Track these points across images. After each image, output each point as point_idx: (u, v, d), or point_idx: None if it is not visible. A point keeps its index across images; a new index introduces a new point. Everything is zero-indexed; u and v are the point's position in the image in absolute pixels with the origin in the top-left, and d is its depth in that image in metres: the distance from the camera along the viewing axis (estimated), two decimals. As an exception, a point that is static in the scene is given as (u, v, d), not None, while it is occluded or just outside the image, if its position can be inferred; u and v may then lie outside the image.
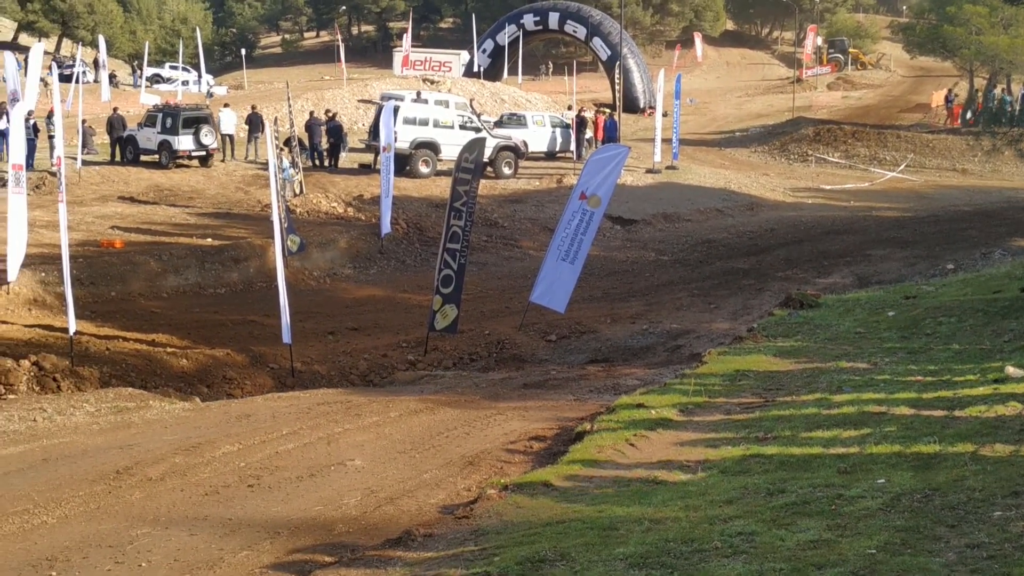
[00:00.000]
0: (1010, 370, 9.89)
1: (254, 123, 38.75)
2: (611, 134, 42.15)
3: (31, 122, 30.63)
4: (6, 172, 22.31)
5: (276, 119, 33.12)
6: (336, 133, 38.07)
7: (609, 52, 65.79)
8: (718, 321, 20.76)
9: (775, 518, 6.92)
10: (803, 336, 13.90)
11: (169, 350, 18.11)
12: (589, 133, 43.53)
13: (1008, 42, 57.24)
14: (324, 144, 37.65)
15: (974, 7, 58.22)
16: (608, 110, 50.89)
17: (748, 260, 28.05)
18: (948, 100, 60.64)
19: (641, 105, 64.53)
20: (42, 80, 37.79)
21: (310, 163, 36.64)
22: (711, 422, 10.09)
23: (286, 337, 17.19)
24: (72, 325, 16.74)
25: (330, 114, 39.90)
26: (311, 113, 40.55)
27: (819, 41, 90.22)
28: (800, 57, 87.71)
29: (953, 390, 9.67)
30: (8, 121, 27.71)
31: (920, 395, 9.69)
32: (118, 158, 36.49)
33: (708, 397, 10.97)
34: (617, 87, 53.15)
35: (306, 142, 37.65)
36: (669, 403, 10.71)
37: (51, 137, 32.19)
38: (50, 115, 32.81)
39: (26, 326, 18.91)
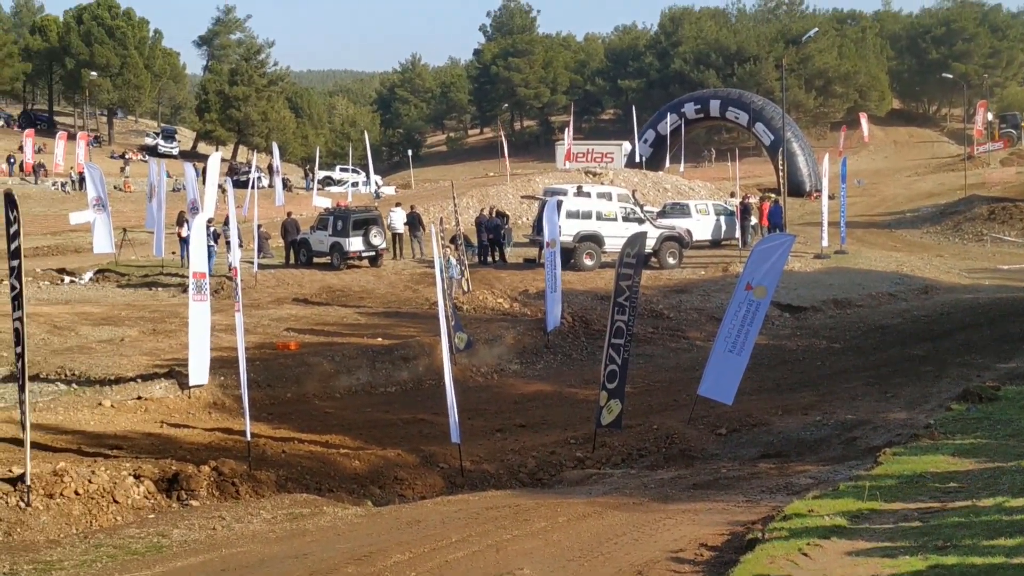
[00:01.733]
0: None
1: (413, 223, 39.58)
2: (776, 220, 41.65)
3: (211, 229, 31.80)
4: (188, 279, 23.08)
5: (441, 219, 33.66)
6: (495, 230, 38.59)
7: (772, 137, 65.44)
8: (895, 411, 20.12)
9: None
10: (983, 432, 13.36)
11: (342, 451, 18.32)
12: (754, 219, 43.15)
13: None
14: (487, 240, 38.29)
15: None
16: (773, 195, 50.41)
17: (924, 346, 27.19)
18: None
19: (807, 189, 63.80)
20: (220, 187, 39.26)
21: (476, 259, 37.14)
22: (887, 529, 9.68)
23: (455, 436, 17.25)
24: (248, 429, 17.09)
25: (494, 211, 40.49)
26: (481, 211, 41.23)
27: (990, 116, 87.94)
28: (971, 134, 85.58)
29: None
30: (189, 229, 28.92)
31: (1112, 498, 9.23)
32: (292, 261, 37.62)
33: (884, 501, 10.56)
34: (781, 172, 52.70)
35: (472, 239, 38.24)
36: (843, 509, 10.34)
37: (229, 243, 33.46)
38: (226, 221, 34.21)
39: (206, 430, 19.41)
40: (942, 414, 15.77)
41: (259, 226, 37.35)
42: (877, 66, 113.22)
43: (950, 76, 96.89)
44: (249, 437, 17.11)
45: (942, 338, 28.01)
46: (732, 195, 49.65)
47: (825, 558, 9.00)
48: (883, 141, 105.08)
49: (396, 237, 39.66)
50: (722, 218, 43.05)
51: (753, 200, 46.95)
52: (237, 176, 66.63)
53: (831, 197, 42.96)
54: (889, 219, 55.87)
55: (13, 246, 14.77)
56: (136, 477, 15.39)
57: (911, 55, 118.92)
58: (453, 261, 30.77)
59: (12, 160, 74.60)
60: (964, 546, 8.75)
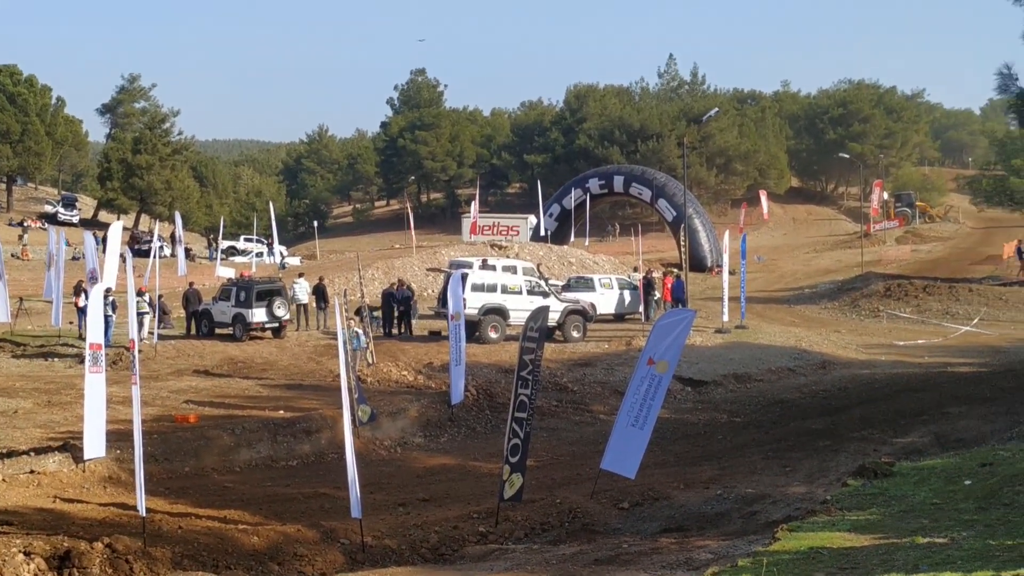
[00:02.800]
0: (1094, 545, 9.56)
1: (320, 294, 39.39)
2: (678, 294, 42.19)
3: (110, 299, 31.31)
4: (85, 350, 22.65)
5: (345, 291, 33.56)
6: (407, 302, 38.53)
7: (675, 213, 66.48)
8: (794, 485, 20.33)
9: None
10: (878, 508, 13.54)
11: (241, 527, 18.01)
12: (657, 294, 43.64)
13: (1076, 191, 57.05)
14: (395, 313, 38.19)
15: (1039, 158, 58.24)
16: (675, 270, 51.08)
17: (823, 420, 27.59)
18: (1020, 251, 60.28)
19: (708, 264, 64.85)
20: (121, 256, 38.72)
21: (381, 332, 37.01)
22: (785, 605, 9.76)
23: (356, 511, 17.05)
24: (142, 506, 16.72)
25: (403, 284, 40.43)
26: (391, 284, 41.16)
27: (885, 195, 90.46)
28: (867, 212, 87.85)
29: (1036, 567, 9.34)
30: (87, 299, 28.44)
31: (999, 573, 9.33)
32: (193, 331, 37.13)
33: (781, 578, 10.64)
34: (683, 247, 53.44)
35: (378, 312, 38.12)
36: (741, 585, 10.41)
37: (141, 314, 32.99)
38: (140, 292, 33.77)
39: (101, 505, 18.97)
40: (839, 489, 15.96)
41: (160, 296, 36.89)
42: (776, 145, 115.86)
43: (847, 156, 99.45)
44: (144, 512, 16.73)
45: (840, 412, 28.43)
46: (635, 269, 50.17)
47: (724, 636, 9.02)
48: (782, 218, 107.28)
49: (300, 308, 39.37)
50: (626, 292, 43.46)
51: (656, 275, 47.46)
52: (139, 245, 65.88)
53: (732, 272, 43.59)
54: (788, 295, 56.86)
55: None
56: (26, 554, 14.97)
57: (809, 135, 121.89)
58: (360, 333, 30.63)
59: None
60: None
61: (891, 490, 14.83)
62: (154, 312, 35.26)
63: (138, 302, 33.46)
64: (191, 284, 40.52)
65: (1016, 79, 20.25)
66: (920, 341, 41.50)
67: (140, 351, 19.69)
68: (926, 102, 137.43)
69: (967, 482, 14.41)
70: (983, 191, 72.45)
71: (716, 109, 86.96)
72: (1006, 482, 13.78)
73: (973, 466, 16.07)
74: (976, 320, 45.57)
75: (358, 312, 33.30)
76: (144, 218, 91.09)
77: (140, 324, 34.07)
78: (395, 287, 39.53)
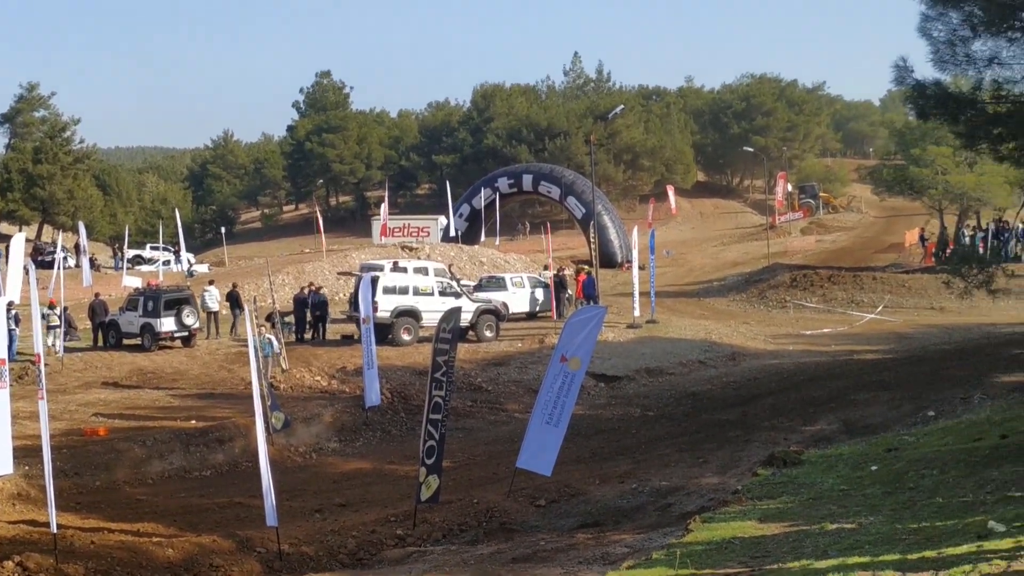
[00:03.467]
0: (992, 525, 9.79)
1: (234, 301, 39.02)
2: (590, 291, 42.36)
3: (13, 312, 30.70)
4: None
5: (255, 298, 33.25)
6: (321, 307, 38.32)
7: (584, 210, 66.76)
8: (707, 476, 20.58)
9: None
10: (788, 496, 13.74)
11: (155, 540, 17.79)
12: (569, 291, 43.82)
13: (975, 180, 58.31)
14: (308, 317, 37.95)
15: (938, 148, 59.45)
16: (586, 267, 51.29)
17: (734, 411, 27.93)
18: (922, 238, 61.51)
19: (618, 260, 65.23)
20: (24, 268, 37.95)
21: (293, 337, 36.74)
22: (698, 596, 9.86)
23: (271, 519, 16.92)
24: (54, 522, 16.44)
25: (314, 287, 40.17)
26: (301, 288, 40.87)
27: (789, 187, 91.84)
28: (772, 204, 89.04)
29: (937, 549, 9.51)
30: (-11, 314, 27.84)
31: (905, 556, 9.50)
32: (101, 343, 36.56)
33: (694, 568, 10.70)
34: (593, 244, 53.67)
35: (289, 317, 37.84)
36: (656, 577, 10.49)
37: (53, 327, 32.44)
38: (52, 305, 33.19)
39: (10, 523, 18.60)
40: (749, 479, 16.18)
41: (65, 308, 36.24)
42: (682, 140, 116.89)
43: (751, 149, 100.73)
44: (56, 529, 16.45)
45: (750, 403, 28.82)
46: (546, 267, 50.30)
47: (639, 628, 9.11)
48: (690, 213, 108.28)
49: (211, 316, 38.94)
50: (537, 290, 43.57)
51: (567, 272, 47.68)
52: (42, 256, 64.60)
53: (641, 268, 43.90)
54: (697, 288, 57.37)
55: None
56: (-67, 576, 14.69)
57: (714, 129, 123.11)
58: (272, 339, 30.40)
59: None
60: (771, 608, 8.96)
61: (800, 478, 15.05)
62: (61, 324, 34.67)
63: (49, 315, 32.95)
64: (97, 295, 39.86)
65: (912, 71, 20.58)
66: (826, 330, 42.15)
67: (46, 364, 19.38)
68: (827, 94, 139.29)
69: (873, 468, 14.66)
70: (884, 181, 73.69)
71: (622, 106, 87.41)
72: (911, 466, 14.05)
73: (879, 452, 16.35)
74: (880, 308, 46.36)
75: (269, 318, 33.05)
76: (47, 229, 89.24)
77: (54, 336, 33.60)
78: (306, 291, 39.26)
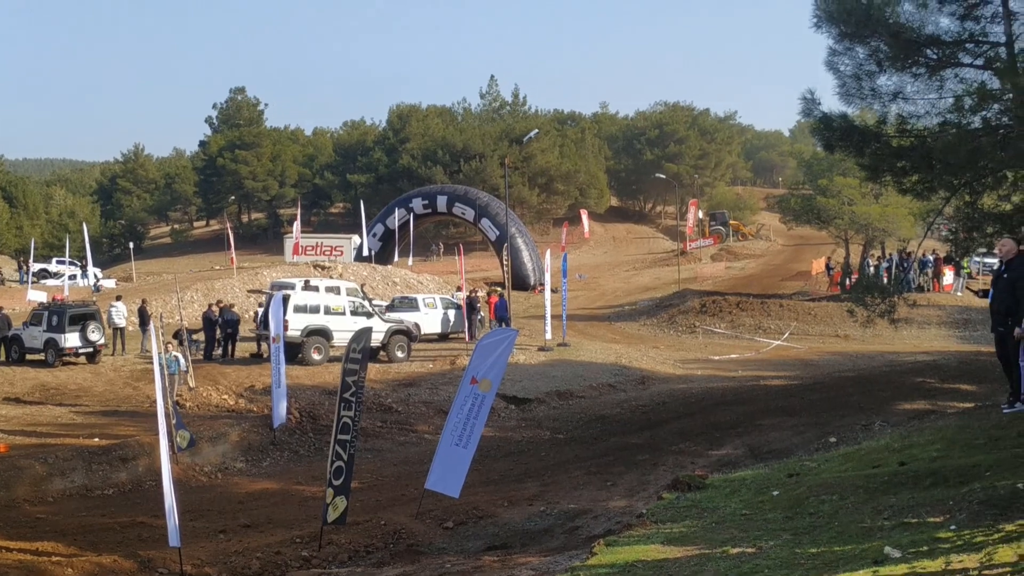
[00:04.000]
0: (888, 550, 9.91)
1: (143, 317, 38.52)
2: (502, 313, 42.51)
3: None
4: None
5: (161, 315, 32.83)
6: (232, 324, 37.92)
7: (498, 232, 66.97)
8: (615, 499, 20.62)
9: None
10: (691, 520, 13.77)
11: (54, 559, 17.42)
12: (481, 313, 43.92)
13: (880, 211, 59.40)
14: (219, 335, 37.54)
15: (844, 179, 60.50)
16: (499, 289, 51.46)
17: (642, 435, 28.06)
18: (828, 267, 62.59)
19: (531, 283, 65.43)
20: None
21: (201, 355, 36.32)
22: (603, 619, 9.83)
23: (174, 540, 16.66)
24: (-51, 540, 16.09)
25: (224, 304, 39.75)
26: (209, 305, 40.41)
27: (700, 214, 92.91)
28: (683, 230, 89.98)
29: (835, 573, 9.59)
30: None
31: (806, 580, 9.59)
32: (3, 358, 35.86)
33: (598, 592, 10.72)
34: (506, 266, 53.84)
35: (198, 335, 37.40)
36: (561, 600, 10.44)
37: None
38: None
39: (-98, 540, 18.18)
40: (654, 503, 16.22)
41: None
42: (596, 165, 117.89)
43: (663, 176, 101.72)
44: (-50, 548, 16.11)
45: (658, 427, 28.97)
46: (459, 289, 50.40)
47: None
48: (603, 237, 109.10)
49: (117, 332, 38.33)
50: (450, 311, 43.62)
51: (480, 294, 47.81)
52: (-57, 269, 63.23)
53: (554, 291, 44.15)
54: (609, 312, 57.76)
55: None
56: None
57: (627, 155, 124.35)
58: (179, 356, 30.03)
59: None
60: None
61: (704, 502, 15.10)
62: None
63: None
64: (0, 308, 39.09)
65: (819, 103, 21.02)
66: (734, 356, 42.67)
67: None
68: (738, 124, 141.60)
69: (775, 492, 14.75)
70: (792, 210, 74.73)
71: (536, 130, 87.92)
72: (811, 491, 14.16)
73: (781, 477, 16.47)
74: (787, 334, 47.06)
75: (176, 335, 32.64)
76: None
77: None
78: (215, 309, 38.82)
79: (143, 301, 40.26)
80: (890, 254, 59.78)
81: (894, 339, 44.59)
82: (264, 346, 35.55)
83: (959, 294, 51.34)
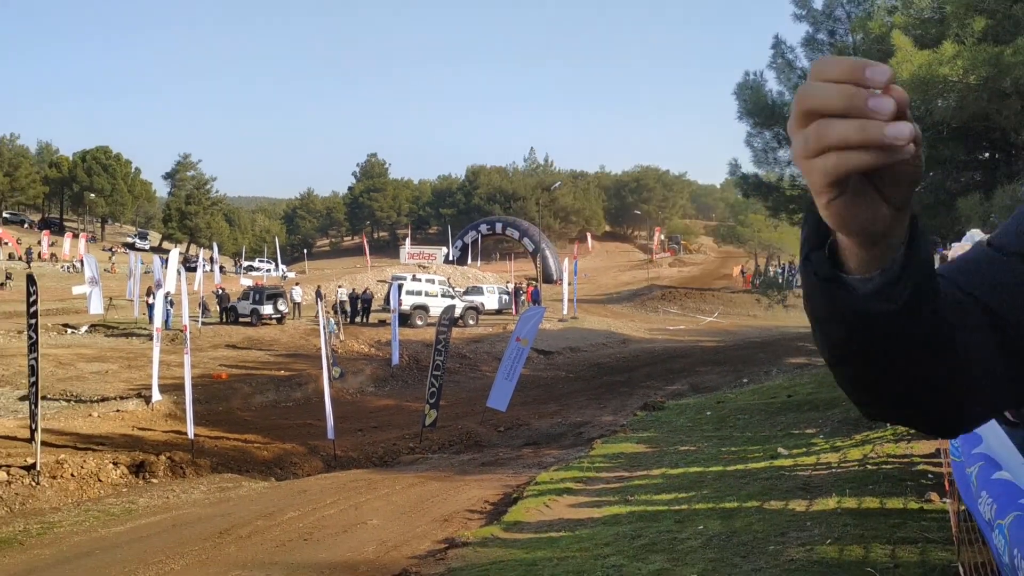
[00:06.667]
0: (780, 450, 9.92)
1: (319, 295, 38.88)
2: (536, 298, 42.50)
3: (169, 298, 30.44)
4: (150, 330, 22.06)
5: (323, 294, 33.01)
6: (367, 302, 38.16)
7: (533, 246, 66.81)
8: (605, 415, 20.60)
9: (635, 554, 6.83)
10: (655, 429, 13.85)
11: (256, 445, 17.72)
12: (522, 297, 43.88)
13: (778, 236, 58.79)
14: (358, 308, 37.78)
15: (755, 216, 59.88)
16: (534, 282, 51.37)
17: (623, 375, 27.98)
18: (743, 272, 61.95)
19: (554, 278, 65.03)
20: (177, 271, 37.66)
21: (348, 320, 36.58)
22: (596, 489, 9.92)
23: (330, 434, 16.91)
24: (191, 431, 16.38)
25: (363, 289, 39.93)
26: (353, 289, 40.60)
27: (662, 237, 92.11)
28: (651, 247, 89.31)
29: (746, 464, 9.64)
30: (155, 299, 27.61)
31: (725, 468, 9.65)
32: (225, 320, 36.27)
33: (595, 472, 10.81)
34: (538, 268, 53.73)
35: (347, 307, 37.68)
36: (571, 476, 10.54)
37: (203, 310, 32.01)
38: (219, 291, 32.65)
39: (163, 432, 18.49)
40: (631, 418, 16.27)
41: (203, 297, 36.02)
42: (596, 204, 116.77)
43: (639, 212, 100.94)
44: (192, 436, 16.41)
45: (634, 370, 28.88)
46: (508, 282, 50.32)
47: (559, 507, 9.19)
48: (600, 250, 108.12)
49: (295, 305, 38.67)
50: (503, 296, 43.57)
51: (522, 285, 47.69)
52: (189, 264, 64.00)
53: (568, 284, 44.02)
54: (603, 298, 57.41)
55: (32, 309, 13.94)
56: (114, 464, 14.58)
57: (617, 199, 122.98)
58: (332, 321, 30.25)
59: (31, 251, 69.87)
60: (641, 499, 9.05)
61: (662, 418, 15.16)
62: (200, 307, 34.39)
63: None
64: (223, 289, 39.55)
65: (740, 167, 20.80)
66: (682, 327, 42.36)
67: (190, 332, 19.27)
68: (687, 179, 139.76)
69: (708, 413, 14.79)
70: (721, 235, 74.12)
71: (559, 182, 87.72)
72: (731, 413, 14.18)
73: (712, 403, 16.49)
74: (716, 314, 46.68)
75: (333, 307, 32.87)
76: (192, 247, 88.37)
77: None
78: (357, 292, 39.03)
79: (319, 286, 40.43)
80: (783, 264, 59.12)
81: (785, 318, 43.87)
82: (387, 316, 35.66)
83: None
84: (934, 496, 6.97)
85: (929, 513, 6.66)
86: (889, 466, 8.28)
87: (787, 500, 7.89)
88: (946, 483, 6.63)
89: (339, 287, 40.50)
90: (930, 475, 7.67)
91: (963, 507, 5.50)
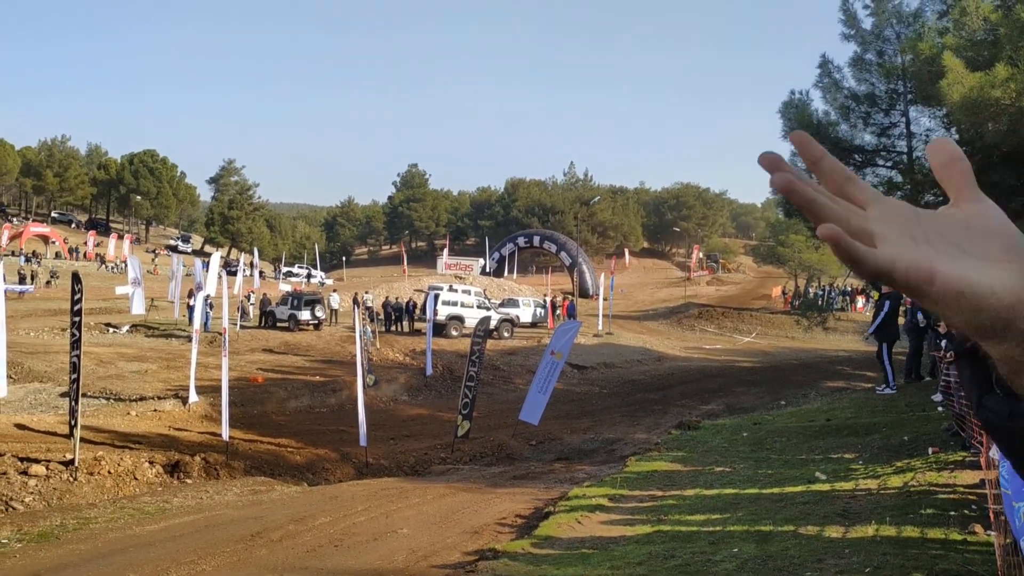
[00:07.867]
0: (818, 474, 9.74)
1: (356, 302, 39.20)
2: (571, 312, 42.40)
3: (208, 301, 30.88)
4: (189, 332, 22.38)
5: (360, 301, 33.26)
6: (400, 311, 38.37)
7: (570, 260, 66.69)
8: (639, 432, 20.42)
9: (668, 575, 6.75)
10: (689, 448, 13.68)
11: (289, 449, 17.86)
12: (558, 310, 43.81)
13: (818, 257, 57.99)
14: (393, 317, 38.01)
15: (796, 236, 59.17)
16: (570, 296, 51.28)
17: (657, 393, 27.74)
18: (783, 293, 61.22)
19: (590, 293, 64.86)
20: (218, 275, 38.21)
21: (383, 328, 36.80)
22: (629, 507, 9.81)
23: (363, 441, 16.99)
24: (226, 434, 16.55)
25: (399, 299, 40.18)
26: (386, 298, 40.90)
27: (701, 255, 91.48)
28: (689, 265, 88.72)
29: (782, 487, 9.47)
30: (195, 301, 28.05)
31: (761, 490, 9.49)
32: (263, 324, 36.69)
33: (628, 489, 10.71)
34: (575, 282, 53.65)
35: (381, 315, 37.93)
36: (603, 493, 10.44)
37: (242, 313, 32.41)
38: (249, 296, 33.18)
39: (199, 432, 18.73)
40: (666, 436, 16.10)
41: (242, 301, 36.46)
42: (635, 220, 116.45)
43: (678, 229, 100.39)
44: (227, 438, 16.58)
45: (668, 388, 28.63)
46: (544, 295, 50.29)
47: (591, 525, 9.10)
48: (637, 266, 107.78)
49: (332, 312, 39.04)
50: (539, 309, 43.55)
51: (558, 299, 47.64)
52: (230, 268, 65.01)
53: (604, 299, 43.88)
54: (639, 315, 57.10)
55: (76, 308, 14.22)
56: (150, 463, 14.78)
57: (656, 215, 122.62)
58: (368, 329, 30.46)
59: (77, 250, 71.40)
60: (674, 519, 8.93)
61: (698, 438, 14.98)
62: (239, 310, 34.84)
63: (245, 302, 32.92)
64: (264, 294, 40.08)
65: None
66: (718, 346, 41.97)
67: (228, 335, 19.51)
68: (728, 197, 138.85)
69: (744, 434, 14.58)
70: (761, 255, 73.17)
71: (598, 197, 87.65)
72: (768, 435, 13.96)
73: (748, 424, 16.25)
74: (754, 334, 46.17)
75: (369, 315, 33.10)
76: (234, 251, 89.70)
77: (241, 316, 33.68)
78: (393, 300, 39.29)
79: (356, 294, 40.80)
80: (824, 285, 58.35)
81: (824, 340, 43.46)
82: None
83: (866, 313, 49.89)
84: (978, 528, 6.78)
85: (972, 545, 6.48)
86: (931, 495, 8.08)
87: (824, 526, 7.73)
88: (991, 515, 6.45)
89: (366, 293, 40.77)
90: (974, 506, 7.47)
91: (1009, 540, 5.34)
